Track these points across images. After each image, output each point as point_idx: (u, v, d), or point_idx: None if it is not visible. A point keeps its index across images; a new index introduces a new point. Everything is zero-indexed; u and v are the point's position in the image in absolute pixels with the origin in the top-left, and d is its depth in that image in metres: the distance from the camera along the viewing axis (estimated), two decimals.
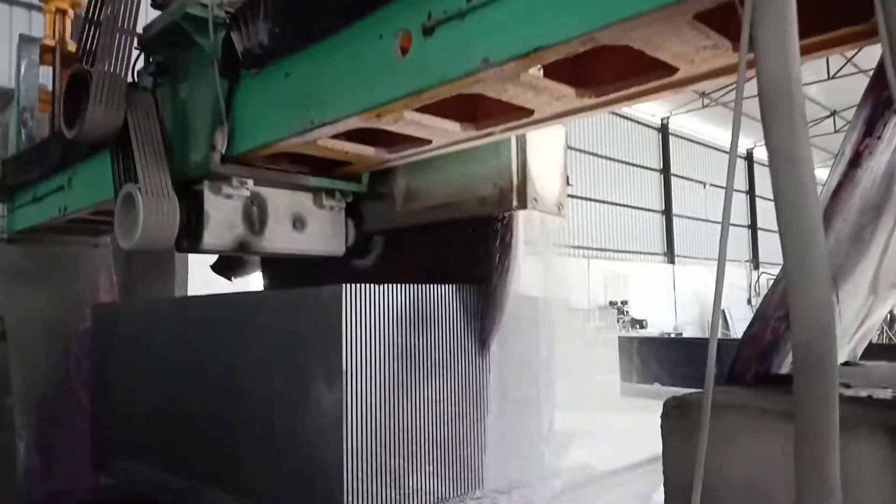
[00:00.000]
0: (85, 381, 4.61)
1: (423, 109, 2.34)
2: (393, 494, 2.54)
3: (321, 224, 3.46)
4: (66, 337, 4.72)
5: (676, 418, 1.52)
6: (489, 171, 2.94)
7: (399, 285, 2.65)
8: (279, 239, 3.29)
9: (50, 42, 5.13)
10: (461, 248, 3.14)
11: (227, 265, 4.32)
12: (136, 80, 3.34)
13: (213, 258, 4.28)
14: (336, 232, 3.54)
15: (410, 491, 2.60)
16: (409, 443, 2.61)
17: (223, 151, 2.90)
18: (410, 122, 2.41)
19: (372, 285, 2.56)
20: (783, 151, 1.09)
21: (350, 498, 2.40)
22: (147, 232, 2.91)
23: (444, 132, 2.59)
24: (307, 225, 3.40)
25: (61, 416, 4.56)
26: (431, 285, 2.77)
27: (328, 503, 2.46)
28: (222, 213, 3.08)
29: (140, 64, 3.39)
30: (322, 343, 2.55)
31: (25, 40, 5.32)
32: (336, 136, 2.63)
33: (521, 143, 2.91)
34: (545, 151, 3.02)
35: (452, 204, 3.10)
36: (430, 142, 2.69)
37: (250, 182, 3.10)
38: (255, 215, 3.21)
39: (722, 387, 1.70)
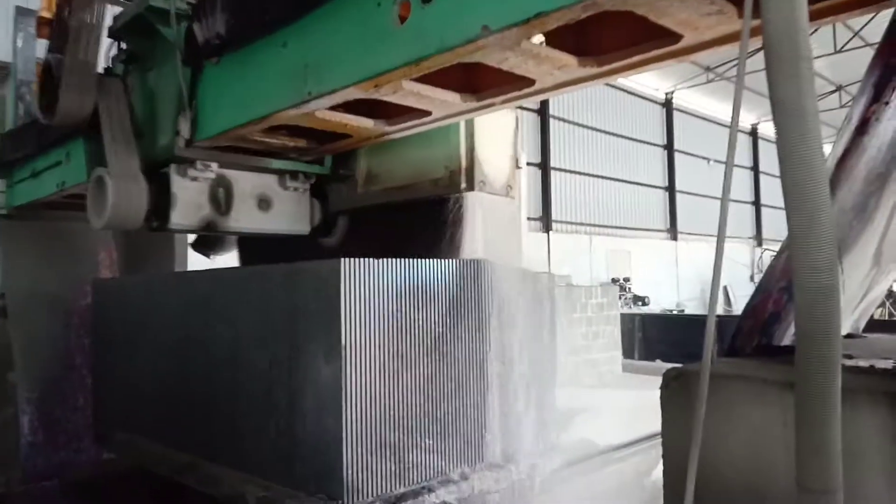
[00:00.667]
0: (86, 356, 4.63)
1: (422, 80, 2.32)
2: (393, 468, 2.54)
3: (286, 204, 3.63)
4: (67, 312, 4.72)
5: (676, 389, 1.52)
6: (441, 155, 3.14)
7: (399, 260, 2.63)
8: (245, 219, 3.47)
9: (46, 14, 5.06)
10: (417, 228, 3.33)
11: (206, 243, 4.50)
12: (109, 66, 3.51)
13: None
14: (301, 212, 3.70)
15: (411, 465, 2.61)
16: (409, 417, 2.61)
17: (187, 136, 3.05)
18: (410, 92, 2.38)
19: (372, 259, 2.55)
20: (789, 105, 1.06)
21: (350, 472, 2.41)
22: (116, 212, 3.12)
23: (443, 103, 2.57)
24: (272, 205, 3.57)
25: (64, 391, 4.59)
26: (432, 259, 2.75)
27: (328, 476, 2.47)
28: (189, 195, 3.26)
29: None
30: (321, 317, 2.54)
31: (22, 13, 5.25)
32: (334, 108, 2.61)
33: (470, 128, 3.10)
34: (494, 136, 3.21)
35: (409, 186, 3.31)
36: (429, 113, 2.67)
37: (215, 165, 3.28)
38: (222, 196, 3.38)
39: (723, 358, 1.69)
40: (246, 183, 3.47)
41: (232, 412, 3.09)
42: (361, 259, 2.50)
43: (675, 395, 1.52)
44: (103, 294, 4.54)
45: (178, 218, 3.24)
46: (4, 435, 4.50)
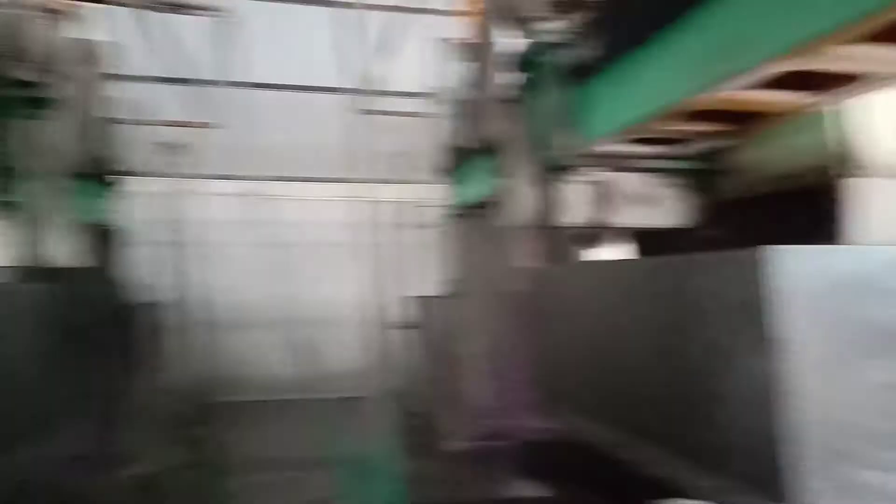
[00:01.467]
0: (527, 334, 5.21)
1: (860, 40, 2.02)
2: (851, 480, 2.30)
3: (666, 200, 3.95)
4: (509, 295, 5.40)
5: None
6: (818, 142, 3.07)
7: (842, 248, 2.36)
8: (627, 215, 3.90)
9: (466, 40, 5.78)
10: (796, 216, 3.28)
11: (594, 239, 4.88)
12: (512, 95, 4.17)
13: None
14: (680, 206, 3.97)
15: (873, 481, 2.32)
16: (871, 424, 2.33)
17: (572, 147, 3.63)
18: (843, 56, 2.11)
19: (811, 247, 2.34)
20: None
21: (799, 478, 2.27)
22: (518, 214, 3.94)
23: (885, 63, 2.19)
24: (653, 202, 3.93)
25: (507, 367, 5.28)
26: (885, 247, 2.39)
27: (770, 479, 2.36)
28: (576, 196, 3.82)
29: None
30: (755, 308, 2.42)
31: (444, 43, 6.08)
32: (748, 88, 2.43)
33: (850, 113, 2.95)
34: (883, 116, 3.00)
35: (787, 175, 3.30)
36: (864, 77, 2.30)
37: (599, 169, 3.80)
38: (604, 196, 3.86)
39: None
40: (627, 183, 3.90)
41: (665, 396, 3.16)
42: (800, 247, 2.31)
43: None
44: (540, 279, 5.08)
45: (567, 217, 3.84)
46: (466, 397, 5.36)
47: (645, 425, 3.37)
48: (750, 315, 2.44)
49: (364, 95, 5.93)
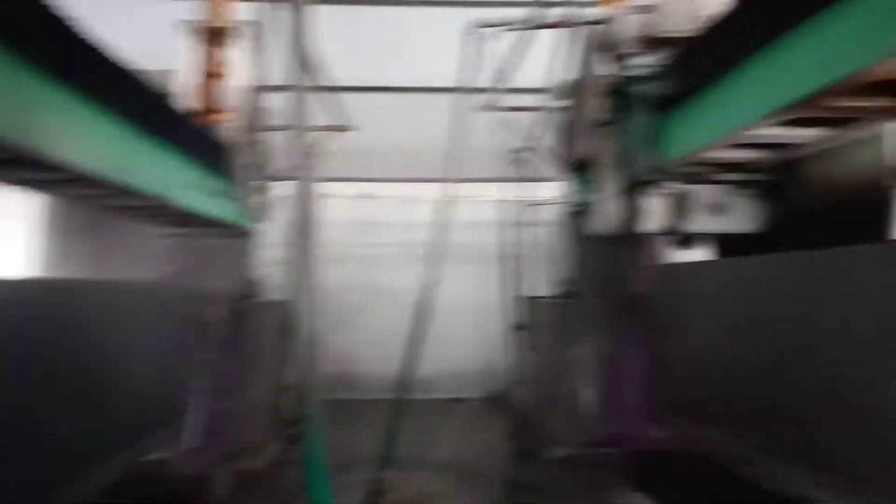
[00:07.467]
0: (639, 338, 5.00)
1: None
2: None
3: (737, 208, 4.39)
4: (621, 298, 5.20)
5: None
6: (875, 156, 3.42)
7: None
8: (701, 222, 4.40)
9: None
10: (855, 226, 3.60)
11: (685, 241, 5.21)
12: (606, 118, 4.79)
13: None
14: (751, 214, 4.39)
15: None
16: None
17: (653, 164, 4.21)
18: None
19: None
20: None
21: None
22: (605, 221, 4.56)
23: None
24: (725, 210, 4.38)
25: (620, 370, 5.06)
26: None
27: None
28: (655, 206, 4.39)
29: None
30: None
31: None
32: None
33: None
34: None
35: (846, 187, 3.69)
36: None
37: (676, 183, 4.34)
38: (681, 206, 4.38)
39: None
40: (702, 193, 4.40)
41: (800, 407, 2.88)
42: None
43: None
44: (659, 279, 4.87)
45: (647, 224, 4.42)
46: (574, 402, 5.23)
47: (773, 436, 3.10)
48: None
49: (489, 93, 5.98)
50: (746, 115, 3.15)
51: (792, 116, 2.90)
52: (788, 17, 2.69)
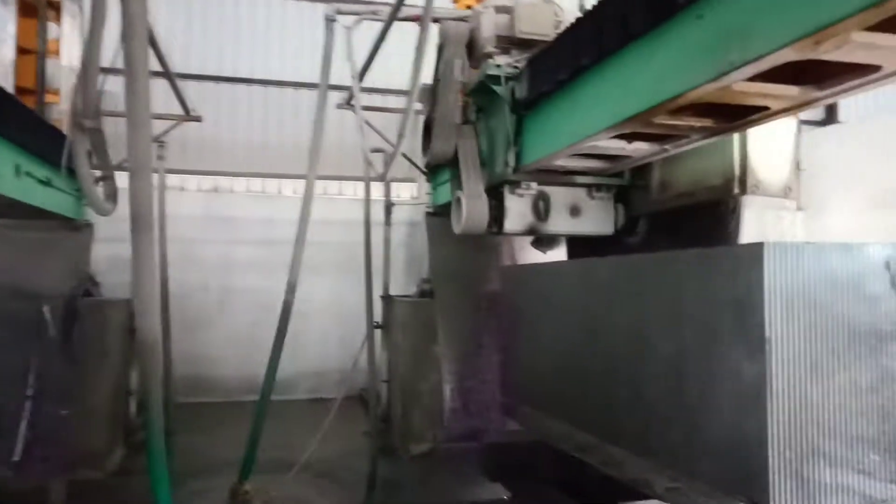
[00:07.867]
0: (494, 335, 5.14)
1: (877, 27, 1.92)
2: (829, 481, 2.23)
3: (593, 211, 4.56)
4: (478, 296, 5.32)
5: None
6: (717, 164, 3.61)
7: (831, 244, 2.29)
8: (560, 223, 4.49)
9: None
10: (701, 228, 3.90)
11: (541, 242, 5.52)
12: (465, 118, 4.84)
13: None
14: (605, 217, 4.59)
15: (850, 481, 2.26)
16: (847, 425, 2.26)
17: (514, 165, 4.21)
18: (860, 45, 1.97)
19: (801, 244, 2.27)
20: None
21: (776, 478, 2.19)
22: (468, 221, 4.42)
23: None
24: (581, 212, 4.53)
25: (476, 366, 5.18)
26: (878, 244, 2.33)
27: (748, 480, 2.29)
28: (517, 207, 4.42)
29: None
30: (740, 305, 2.35)
31: None
32: (753, 79, 2.33)
33: (743, 138, 3.50)
34: (771, 142, 3.57)
35: (692, 192, 3.86)
36: (879, 68, 2.21)
37: (535, 184, 4.39)
38: (541, 207, 4.43)
39: None
40: (560, 195, 4.48)
41: (635, 397, 3.09)
42: (786, 243, 2.25)
43: None
44: (510, 280, 5.02)
45: (509, 225, 4.43)
46: (433, 399, 5.28)
47: (614, 427, 3.29)
48: (739, 312, 2.36)
49: (350, 91, 5.84)
50: (586, 127, 3.27)
51: (627, 130, 3.07)
52: (615, 40, 2.87)
